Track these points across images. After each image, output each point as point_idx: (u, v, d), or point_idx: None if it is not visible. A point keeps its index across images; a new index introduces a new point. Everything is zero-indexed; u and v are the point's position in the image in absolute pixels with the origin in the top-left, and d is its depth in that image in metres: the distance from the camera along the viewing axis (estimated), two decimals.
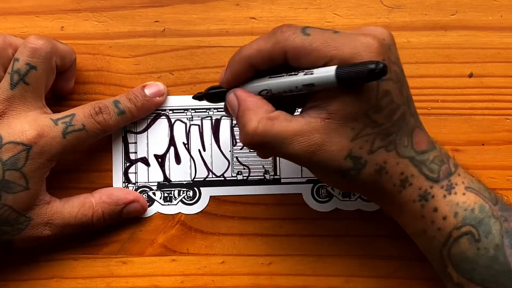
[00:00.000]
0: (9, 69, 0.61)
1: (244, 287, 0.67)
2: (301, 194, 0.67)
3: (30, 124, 0.60)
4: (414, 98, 0.66)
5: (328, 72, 0.53)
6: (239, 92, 0.58)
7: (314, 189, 0.67)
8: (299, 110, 0.58)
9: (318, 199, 0.67)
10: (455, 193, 0.56)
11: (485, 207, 0.56)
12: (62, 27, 0.69)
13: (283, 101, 0.58)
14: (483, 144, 0.68)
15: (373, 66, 0.51)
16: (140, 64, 0.69)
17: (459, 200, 0.56)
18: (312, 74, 0.54)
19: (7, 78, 0.61)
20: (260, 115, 0.56)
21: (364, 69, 0.51)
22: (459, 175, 0.57)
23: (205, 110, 0.68)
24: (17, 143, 0.59)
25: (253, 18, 0.69)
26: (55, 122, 0.61)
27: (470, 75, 0.68)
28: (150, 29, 0.69)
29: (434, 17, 0.69)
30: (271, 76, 0.57)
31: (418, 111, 0.66)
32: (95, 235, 0.67)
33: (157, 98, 0.67)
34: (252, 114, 0.56)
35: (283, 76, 0.56)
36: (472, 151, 0.67)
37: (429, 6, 0.69)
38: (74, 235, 0.65)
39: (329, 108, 0.55)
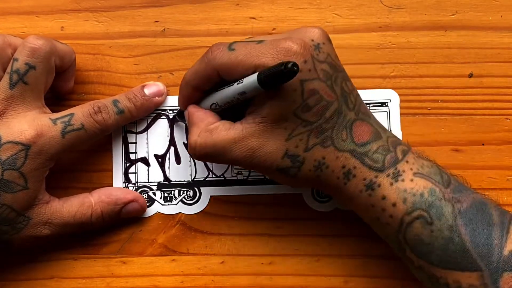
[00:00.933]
0: (8, 69, 0.61)
1: (244, 287, 0.67)
2: (301, 194, 0.67)
3: (29, 123, 0.60)
4: (414, 98, 0.67)
5: (252, 77, 0.56)
6: (189, 108, 0.63)
7: (314, 189, 0.67)
8: None
9: (318, 198, 0.67)
10: (402, 180, 0.57)
11: (435, 191, 0.57)
12: (62, 27, 0.69)
13: (237, 110, 0.61)
14: (483, 144, 0.68)
15: (282, 67, 0.53)
16: (140, 64, 0.68)
17: (407, 187, 0.57)
18: (242, 82, 0.58)
19: (6, 78, 0.61)
20: (201, 128, 0.61)
21: (277, 69, 0.53)
22: (407, 162, 0.58)
23: None
24: (16, 143, 0.59)
25: (253, 18, 0.69)
26: (54, 121, 0.61)
27: (470, 75, 0.68)
28: (150, 29, 0.69)
29: (434, 17, 0.69)
30: (217, 90, 0.62)
31: (418, 111, 0.66)
32: (95, 235, 0.67)
33: (157, 98, 0.67)
34: (194, 128, 0.61)
35: (224, 88, 0.60)
36: (472, 151, 0.67)
37: (429, 6, 0.69)
38: (74, 235, 0.65)
39: (261, 112, 0.58)
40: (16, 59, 0.61)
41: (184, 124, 0.68)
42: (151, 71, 0.68)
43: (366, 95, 0.67)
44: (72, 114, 0.62)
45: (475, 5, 0.69)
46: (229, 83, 0.59)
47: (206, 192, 0.68)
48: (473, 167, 0.67)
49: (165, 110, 0.68)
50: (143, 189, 0.67)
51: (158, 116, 0.68)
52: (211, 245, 0.67)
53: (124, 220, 0.67)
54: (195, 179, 0.68)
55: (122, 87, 0.68)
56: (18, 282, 0.67)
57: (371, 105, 0.67)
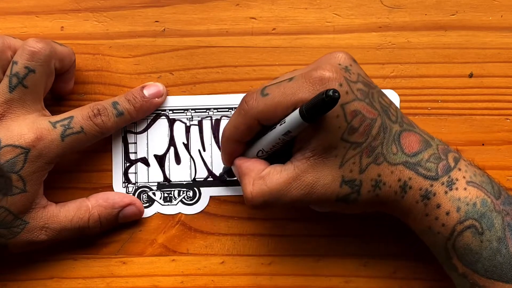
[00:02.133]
0: (8, 72, 0.61)
1: (244, 287, 0.67)
2: None
3: (29, 127, 0.60)
4: (414, 98, 0.67)
5: (294, 114, 0.56)
6: (236, 162, 0.63)
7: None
8: None
9: None
10: (456, 189, 0.57)
11: (487, 201, 0.57)
12: (62, 27, 0.69)
13: (283, 153, 0.61)
14: (483, 144, 0.68)
15: (323, 96, 0.52)
16: (140, 64, 0.68)
17: (461, 195, 0.57)
18: (284, 122, 0.57)
19: (5, 81, 0.61)
20: (253, 177, 0.60)
21: (319, 99, 0.53)
22: (459, 169, 0.58)
23: (205, 110, 0.68)
24: (16, 146, 0.59)
25: (253, 18, 0.69)
26: (54, 125, 0.61)
27: (470, 75, 0.68)
28: (150, 29, 0.69)
29: (434, 17, 0.69)
30: (259, 138, 0.61)
31: (418, 111, 0.66)
32: (95, 236, 0.67)
33: (156, 99, 0.67)
34: (246, 178, 0.61)
35: (267, 133, 0.60)
36: (472, 151, 0.67)
37: (429, 6, 0.69)
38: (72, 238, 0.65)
39: (309, 146, 0.58)
40: (16, 62, 0.61)
41: (186, 121, 0.68)
42: (151, 71, 0.68)
43: None
44: (71, 117, 0.62)
45: (475, 5, 0.69)
46: (269, 128, 0.59)
47: (206, 192, 0.68)
48: None
49: (165, 110, 0.68)
50: (143, 189, 0.68)
51: (158, 117, 0.68)
52: (211, 245, 0.67)
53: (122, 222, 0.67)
54: (195, 179, 0.68)
55: (122, 87, 0.68)
56: (18, 282, 0.67)
57: None
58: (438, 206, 0.57)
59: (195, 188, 0.68)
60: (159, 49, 0.69)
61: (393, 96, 0.67)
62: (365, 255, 0.67)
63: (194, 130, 0.68)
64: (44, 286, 0.67)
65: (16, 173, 0.59)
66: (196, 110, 0.68)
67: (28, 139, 0.59)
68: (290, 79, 0.58)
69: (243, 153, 0.63)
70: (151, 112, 0.67)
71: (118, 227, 0.67)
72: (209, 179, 0.68)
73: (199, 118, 0.68)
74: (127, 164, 0.68)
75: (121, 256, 0.67)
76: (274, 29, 0.69)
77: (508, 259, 0.56)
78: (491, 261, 0.56)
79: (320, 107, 0.53)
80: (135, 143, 0.68)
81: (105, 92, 0.68)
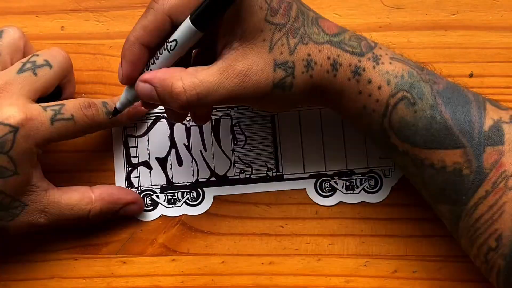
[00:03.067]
0: (24, 60, 0.62)
1: (244, 287, 0.67)
2: (304, 189, 0.67)
3: (19, 107, 0.59)
4: None
5: (185, 24, 0.55)
6: (146, 75, 0.57)
7: (317, 184, 0.67)
8: None
9: (322, 193, 0.67)
10: (382, 63, 0.58)
11: (413, 73, 0.58)
12: (62, 27, 0.69)
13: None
14: None
15: None
16: None
17: (388, 69, 0.58)
18: (175, 39, 0.56)
19: (18, 65, 0.61)
20: (178, 75, 0.56)
21: None
22: (380, 48, 0.59)
23: None
24: (4, 125, 0.58)
25: None
26: (44, 108, 0.60)
27: (470, 75, 0.68)
28: None
29: (434, 17, 0.69)
30: (156, 56, 0.58)
31: None
32: (95, 235, 0.67)
33: (142, 108, 0.67)
34: (169, 79, 0.56)
35: (163, 48, 0.57)
36: None
37: (429, 6, 0.69)
38: (74, 232, 0.66)
39: (235, 36, 0.57)
40: (37, 55, 0.62)
41: (186, 122, 0.68)
42: None
43: None
44: (63, 105, 0.61)
45: (475, 5, 0.69)
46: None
47: (210, 193, 0.68)
48: None
49: (164, 113, 0.68)
50: (146, 192, 0.68)
51: (157, 119, 0.68)
52: (211, 245, 0.67)
53: (124, 220, 0.67)
54: (198, 180, 0.68)
55: (122, 87, 0.68)
56: (18, 282, 0.67)
57: None
58: (369, 81, 0.58)
59: (199, 189, 0.68)
60: None
61: None
62: (365, 255, 0.67)
63: (195, 131, 0.68)
64: (44, 286, 0.67)
65: (6, 154, 0.59)
66: None
67: (17, 117, 0.58)
68: None
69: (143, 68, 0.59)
70: (136, 119, 0.68)
71: (118, 227, 0.67)
72: (212, 179, 0.68)
73: None
74: (129, 168, 0.68)
75: (121, 256, 0.67)
76: None
77: (443, 125, 0.56)
78: (428, 130, 0.56)
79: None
80: (136, 147, 0.68)
81: (105, 92, 0.68)
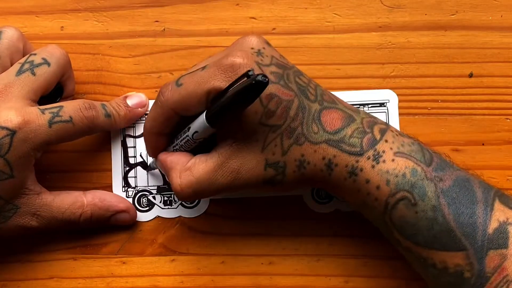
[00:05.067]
0: (22, 60, 0.62)
1: (244, 287, 0.67)
2: (301, 195, 0.67)
3: (17, 110, 0.59)
4: (414, 98, 0.67)
5: (200, 119, 0.59)
6: (160, 156, 0.64)
7: (314, 190, 0.67)
8: None
9: (318, 200, 0.67)
10: (384, 161, 0.57)
11: (417, 171, 0.57)
12: (62, 27, 0.69)
13: (209, 142, 0.62)
14: (483, 144, 0.68)
15: (252, 81, 0.52)
16: (140, 64, 0.69)
17: (389, 168, 0.57)
18: (190, 128, 0.60)
19: (16, 66, 0.62)
20: (179, 170, 0.61)
21: (247, 85, 0.53)
22: (386, 141, 0.58)
23: None
24: (2, 128, 0.58)
25: (253, 18, 0.69)
26: (42, 111, 0.60)
27: (470, 75, 0.68)
28: (150, 29, 0.69)
29: (434, 17, 0.69)
30: (179, 131, 0.62)
31: (418, 111, 0.66)
32: (95, 235, 0.67)
33: (139, 109, 0.67)
34: (172, 172, 0.61)
35: (181, 133, 0.62)
36: (472, 151, 0.67)
37: (429, 6, 0.69)
38: (73, 232, 0.66)
39: (231, 133, 0.59)
40: (35, 54, 0.62)
41: (159, 172, 0.68)
42: (151, 71, 0.68)
43: (364, 95, 0.67)
44: (61, 107, 0.61)
45: (475, 5, 0.69)
46: (189, 119, 0.60)
47: None
48: (473, 167, 0.66)
49: None
50: (142, 193, 0.67)
51: None
52: (211, 245, 0.67)
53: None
54: None
55: (122, 87, 0.68)
56: (17, 282, 0.67)
57: (369, 105, 0.67)
58: (367, 181, 0.57)
59: None
60: (159, 49, 0.69)
61: (391, 96, 0.67)
62: (365, 255, 0.67)
63: None
64: (44, 286, 0.67)
65: (2, 157, 0.58)
66: None
67: (15, 121, 0.58)
68: (203, 67, 0.58)
69: (166, 146, 0.64)
70: (133, 122, 0.68)
71: (118, 227, 0.67)
72: None
73: None
74: (127, 168, 0.68)
75: (121, 256, 0.67)
76: (274, 29, 0.69)
77: (446, 227, 0.55)
78: (429, 231, 0.56)
79: (248, 92, 0.53)
80: (134, 147, 0.68)
81: (105, 92, 0.68)
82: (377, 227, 0.61)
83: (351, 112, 0.59)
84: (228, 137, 0.59)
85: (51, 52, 0.63)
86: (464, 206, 0.56)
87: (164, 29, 0.69)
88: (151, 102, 0.68)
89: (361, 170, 0.57)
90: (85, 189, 0.66)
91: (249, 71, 0.53)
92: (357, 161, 0.57)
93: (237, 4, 0.69)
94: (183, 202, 0.67)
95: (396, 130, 0.60)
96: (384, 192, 0.57)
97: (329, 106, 0.59)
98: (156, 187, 0.68)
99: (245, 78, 0.54)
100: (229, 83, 0.56)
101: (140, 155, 0.68)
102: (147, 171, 0.68)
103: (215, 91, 0.57)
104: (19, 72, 0.61)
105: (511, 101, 0.68)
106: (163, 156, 0.63)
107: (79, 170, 0.68)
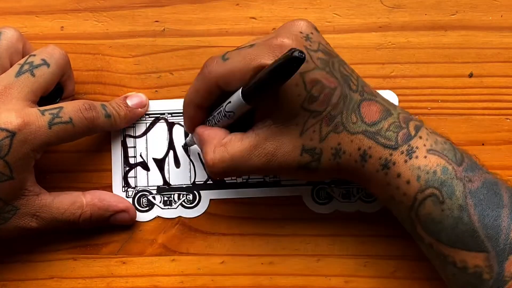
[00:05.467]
0: (21, 61, 0.62)
1: (244, 287, 0.67)
2: (301, 196, 0.67)
3: (17, 112, 0.59)
4: (414, 98, 0.67)
5: (236, 95, 0.58)
6: (197, 129, 0.63)
7: (314, 191, 0.67)
8: None
9: (318, 201, 0.67)
10: (416, 157, 0.57)
11: (447, 169, 0.57)
12: (62, 27, 0.69)
13: (246, 120, 0.61)
14: (483, 144, 0.68)
15: (290, 55, 0.52)
16: (140, 64, 0.69)
17: (421, 164, 0.57)
18: (229, 102, 0.59)
19: (16, 67, 0.61)
20: (214, 145, 0.60)
21: (285, 60, 0.52)
22: (420, 138, 0.58)
23: None
24: (1, 129, 0.58)
25: (253, 18, 0.69)
26: (42, 112, 0.60)
27: (470, 75, 0.68)
28: (150, 29, 0.69)
29: (434, 17, 0.69)
30: (218, 106, 0.62)
31: (418, 111, 0.66)
32: (95, 235, 0.67)
33: (139, 109, 0.67)
34: (207, 146, 0.61)
35: (217, 108, 0.61)
36: (472, 151, 0.66)
37: (429, 6, 0.69)
38: (73, 232, 0.66)
39: (270, 114, 0.59)
40: (34, 55, 0.62)
41: (195, 150, 0.68)
42: (151, 71, 0.68)
43: None
44: (61, 107, 0.61)
45: (475, 5, 0.69)
46: (229, 94, 0.59)
47: (206, 196, 0.68)
48: None
49: (163, 113, 0.68)
50: (142, 193, 0.67)
51: (157, 120, 0.68)
52: (211, 245, 0.67)
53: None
54: (194, 183, 0.68)
55: (122, 87, 0.68)
56: (18, 282, 0.67)
57: None
58: (398, 175, 0.57)
59: (195, 192, 0.68)
60: (159, 49, 0.69)
61: (391, 96, 0.67)
62: (365, 255, 0.67)
63: None
64: (44, 286, 0.67)
65: (2, 159, 0.58)
66: None
67: (15, 123, 0.58)
68: (251, 45, 0.58)
69: (203, 121, 0.63)
70: (133, 122, 0.68)
71: (118, 227, 0.67)
72: (209, 182, 0.68)
73: None
74: (127, 168, 0.68)
75: (121, 256, 0.67)
76: (274, 29, 0.68)
77: (470, 227, 0.56)
78: (453, 230, 0.56)
79: (284, 69, 0.53)
80: (134, 147, 0.68)
81: (105, 92, 0.68)
82: (401, 222, 0.61)
83: (389, 106, 0.60)
84: (267, 118, 0.59)
85: (51, 53, 0.63)
86: (490, 209, 0.56)
87: (164, 29, 0.69)
88: (151, 102, 0.68)
89: (394, 163, 0.57)
90: (85, 189, 0.66)
91: (292, 49, 0.53)
92: (391, 155, 0.58)
93: (237, 4, 0.69)
94: (183, 202, 0.67)
95: (430, 128, 0.60)
96: (414, 187, 0.57)
97: (369, 98, 0.60)
98: (156, 187, 0.68)
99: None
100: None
101: (140, 155, 0.68)
102: (185, 148, 0.68)
103: (261, 68, 0.56)
104: (19, 73, 0.61)
105: (511, 101, 0.68)
106: (201, 129, 0.62)
107: (79, 170, 0.68)
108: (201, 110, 0.62)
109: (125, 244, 0.67)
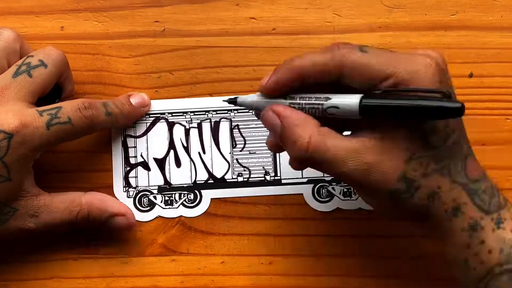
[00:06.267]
0: (19, 62, 0.62)
1: (244, 287, 0.67)
2: (302, 194, 0.67)
3: (15, 113, 0.59)
4: None
5: (353, 100, 0.53)
6: (281, 108, 0.56)
7: (315, 189, 0.67)
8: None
9: (319, 199, 0.67)
10: (504, 228, 0.54)
11: None
12: (62, 27, 0.69)
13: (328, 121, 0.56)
14: (483, 144, 0.68)
15: (442, 103, 0.50)
16: (140, 64, 0.69)
17: (507, 237, 0.54)
18: (328, 98, 0.54)
19: (13, 68, 0.61)
20: (310, 131, 0.54)
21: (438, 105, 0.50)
22: (508, 210, 0.55)
23: (204, 113, 0.68)
24: None
25: (253, 18, 0.69)
26: (40, 113, 0.60)
27: (470, 75, 0.68)
28: (150, 29, 0.69)
29: (434, 17, 0.69)
30: (302, 96, 0.56)
31: None
32: (95, 235, 0.67)
33: (142, 108, 0.67)
34: (300, 130, 0.54)
35: (309, 97, 0.55)
36: None
37: (429, 6, 0.69)
38: (73, 232, 0.65)
39: (383, 127, 0.54)
40: (32, 56, 0.62)
41: (185, 124, 0.68)
42: (151, 71, 0.68)
43: None
44: (60, 107, 0.61)
45: (475, 5, 0.69)
46: (326, 89, 0.55)
47: (207, 195, 0.68)
48: None
49: (164, 113, 0.68)
50: (143, 193, 0.68)
51: (157, 120, 0.68)
52: (211, 245, 0.67)
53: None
54: (195, 182, 0.68)
55: (122, 87, 0.68)
56: (18, 282, 0.67)
57: None
58: (482, 242, 0.54)
59: (196, 191, 0.68)
60: (159, 49, 0.69)
61: None
62: (365, 255, 0.67)
63: (194, 133, 0.68)
64: (44, 286, 0.67)
65: (0, 160, 0.58)
66: (195, 113, 0.68)
67: (12, 124, 0.58)
68: (392, 51, 0.55)
69: (283, 96, 0.57)
70: (134, 121, 0.68)
71: None
72: (209, 181, 0.68)
73: (199, 121, 0.68)
74: (127, 168, 0.68)
75: (121, 256, 0.67)
76: (274, 29, 0.69)
77: None
78: None
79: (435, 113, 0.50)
80: (135, 147, 0.68)
81: (105, 92, 0.68)
82: (457, 276, 0.57)
83: (484, 171, 0.56)
84: (377, 129, 0.54)
85: (48, 54, 0.63)
86: None
87: (164, 29, 0.69)
88: (153, 102, 0.68)
89: (482, 228, 0.54)
90: (85, 189, 0.66)
91: (449, 90, 0.51)
92: (481, 218, 0.54)
93: (237, 4, 0.69)
94: (184, 202, 0.67)
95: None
96: (494, 258, 0.54)
97: (472, 154, 0.56)
98: (157, 187, 0.68)
99: (439, 95, 0.51)
100: (423, 83, 0.52)
101: (141, 155, 0.68)
102: (229, 102, 0.60)
103: (396, 81, 0.52)
104: (16, 74, 0.61)
105: (511, 101, 0.68)
106: (286, 109, 0.56)
107: (79, 170, 0.68)
108: (297, 82, 0.56)
109: (125, 244, 0.67)
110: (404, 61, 0.53)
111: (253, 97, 0.58)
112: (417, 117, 0.52)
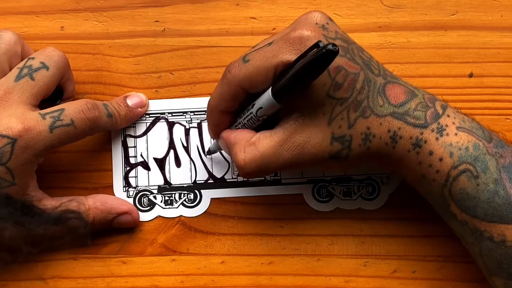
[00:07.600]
0: (20, 65, 0.62)
1: (244, 287, 0.67)
2: (301, 194, 0.67)
3: (18, 117, 0.59)
4: None
5: (266, 95, 0.58)
6: (222, 133, 0.62)
7: (315, 189, 0.67)
8: None
9: (319, 199, 0.67)
10: (447, 134, 0.57)
11: (479, 145, 0.57)
12: (62, 27, 0.69)
13: (272, 119, 0.61)
14: None
15: (323, 50, 0.52)
16: (140, 64, 0.69)
17: (452, 141, 0.57)
18: (254, 105, 0.59)
19: (15, 71, 0.61)
20: (243, 145, 0.59)
21: (312, 58, 0.53)
22: (448, 116, 0.58)
23: (204, 113, 0.68)
24: (2, 136, 0.58)
25: (253, 18, 0.69)
26: (43, 116, 0.60)
27: (470, 75, 0.68)
28: (150, 29, 0.69)
29: (434, 17, 0.69)
30: (240, 115, 0.61)
31: None
32: (95, 235, 0.67)
33: (139, 109, 0.67)
34: (236, 147, 0.60)
35: (244, 111, 0.61)
36: None
37: (429, 6, 0.69)
38: None
39: (296, 107, 0.58)
40: (33, 58, 0.62)
41: (185, 123, 0.68)
42: (151, 71, 0.68)
43: None
44: (62, 110, 0.61)
45: (475, 5, 0.69)
46: (253, 97, 0.59)
47: (207, 195, 0.68)
48: None
49: (163, 113, 0.68)
50: (143, 193, 0.68)
51: (157, 120, 0.68)
52: (211, 245, 0.67)
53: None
54: (195, 182, 0.68)
55: (122, 87, 0.68)
56: (18, 282, 0.67)
57: None
58: (431, 153, 0.57)
59: (196, 191, 0.68)
60: (159, 49, 0.69)
61: None
62: (364, 255, 0.67)
63: (194, 133, 0.68)
64: (44, 286, 0.67)
65: (4, 165, 0.58)
66: (195, 113, 0.68)
67: (15, 129, 0.58)
68: (270, 43, 0.58)
69: (228, 126, 0.63)
70: (132, 122, 0.68)
71: (118, 227, 0.67)
72: (209, 181, 0.68)
73: (198, 121, 0.68)
74: (127, 168, 0.68)
75: (121, 256, 0.67)
76: (274, 29, 0.69)
77: (506, 200, 0.56)
78: (490, 204, 0.56)
79: (317, 62, 0.53)
80: (135, 147, 0.68)
81: (105, 92, 0.68)
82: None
83: (412, 88, 0.60)
84: (293, 111, 0.58)
85: (49, 55, 0.62)
86: None
87: (164, 29, 0.69)
88: (151, 102, 0.68)
89: (425, 142, 0.57)
90: (85, 189, 0.67)
91: (318, 42, 0.54)
92: (421, 133, 0.57)
93: (237, 4, 0.69)
94: (184, 202, 0.67)
95: (455, 108, 0.60)
96: (447, 164, 0.57)
97: (392, 80, 0.59)
98: (157, 187, 0.68)
99: (314, 49, 0.53)
100: (298, 55, 0.56)
101: (141, 155, 0.68)
102: (207, 155, 0.68)
103: (283, 65, 0.56)
104: (18, 77, 0.61)
105: (511, 101, 0.68)
106: (227, 133, 0.62)
107: (79, 170, 0.68)
108: (227, 115, 0.62)
109: (125, 244, 0.67)
110: (280, 48, 0.57)
111: (215, 142, 0.66)
112: (310, 77, 0.55)
